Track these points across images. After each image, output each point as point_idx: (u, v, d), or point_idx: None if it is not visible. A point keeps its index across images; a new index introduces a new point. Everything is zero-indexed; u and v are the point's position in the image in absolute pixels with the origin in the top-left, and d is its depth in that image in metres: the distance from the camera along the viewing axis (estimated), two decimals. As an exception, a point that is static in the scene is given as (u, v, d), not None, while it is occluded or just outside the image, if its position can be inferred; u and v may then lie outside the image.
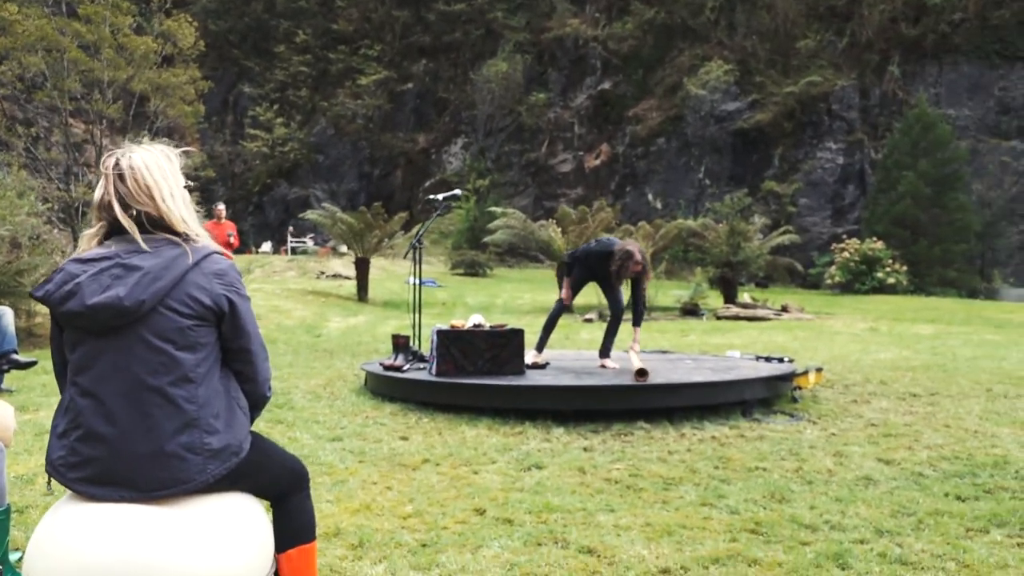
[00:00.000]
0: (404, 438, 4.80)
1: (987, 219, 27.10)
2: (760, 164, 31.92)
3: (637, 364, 5.53)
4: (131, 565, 1.79)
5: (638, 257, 5.99)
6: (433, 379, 5.57)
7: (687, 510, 3.48)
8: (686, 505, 3.55)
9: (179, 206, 1.96)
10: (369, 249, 17.09)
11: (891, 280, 22.51)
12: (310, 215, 17.06)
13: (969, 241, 25.45)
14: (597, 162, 34.28)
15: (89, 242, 1.96)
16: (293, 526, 2.20)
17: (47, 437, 4.73)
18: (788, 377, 5.81)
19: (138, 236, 1.89)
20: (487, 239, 17.74)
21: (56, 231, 12.79)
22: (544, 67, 36.59)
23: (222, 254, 2.01)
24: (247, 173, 40.09)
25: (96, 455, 1.84)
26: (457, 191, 6.85)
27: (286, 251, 31.68)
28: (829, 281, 24.06)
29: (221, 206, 12.87)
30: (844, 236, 26.31)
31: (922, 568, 2.82)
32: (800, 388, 5.86)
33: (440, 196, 6.37)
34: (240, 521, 1.98)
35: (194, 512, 1.90)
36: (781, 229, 17.12)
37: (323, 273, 23.35)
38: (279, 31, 40.62)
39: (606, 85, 35.25)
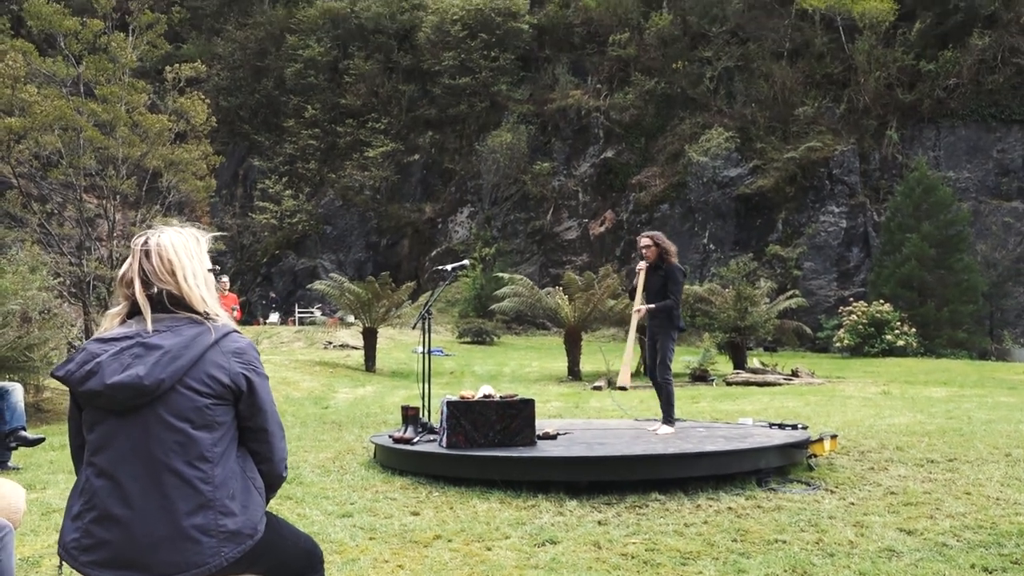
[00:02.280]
0: (415, 513, 4.73)
1: (993, 280, 27.07)
2: (764, 228, 32.13)
3: (624, 371, 5.90)
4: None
5: (646, 234, 6.36)
6: (443, 451, 5.51)
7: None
8: (706, 581, 3.47)
9: (200, 286, 1.99)
10: (377, 319, 17.13)
11: (901, 342, 22.36)
12: (318, 285, 17.17)
13: (977, 302, 25.36)
14: (602, 229, 34.58)
15: (112, 321, 1.99)
16: (308, 609, 2.16)
17: (54, 517, 4.67)
18: (803, 445, 5.73)
19: (148, 315, 1.91)
20: (494, 307, 17.78)
21: (67, 305, 12.90)
22: (548, 137, 37.25)
23: (240, 333, 2.03)
24: (255, 245, 40.52)
25: (110, 538, 1.82)
26: (465, 261, 6.94)
27: (293, 322, 31.78)
28: (838, 344, 23.91)
29: (225, 279, 13.01)
30: (851, 299, 26.28)
31: (953, 646, 2.73)
32: (815, 456, 5.77)
33: (449, 266, 6.43)
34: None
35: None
36: (788, 293, 17.12)
37: (330, 343, 23.35)
38: (288, 106, 41.61)
39: (609, 153, 35.82)
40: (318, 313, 31.23)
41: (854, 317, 23.25)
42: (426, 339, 6.26)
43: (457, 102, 38.55)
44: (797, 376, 14.23)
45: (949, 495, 5.04)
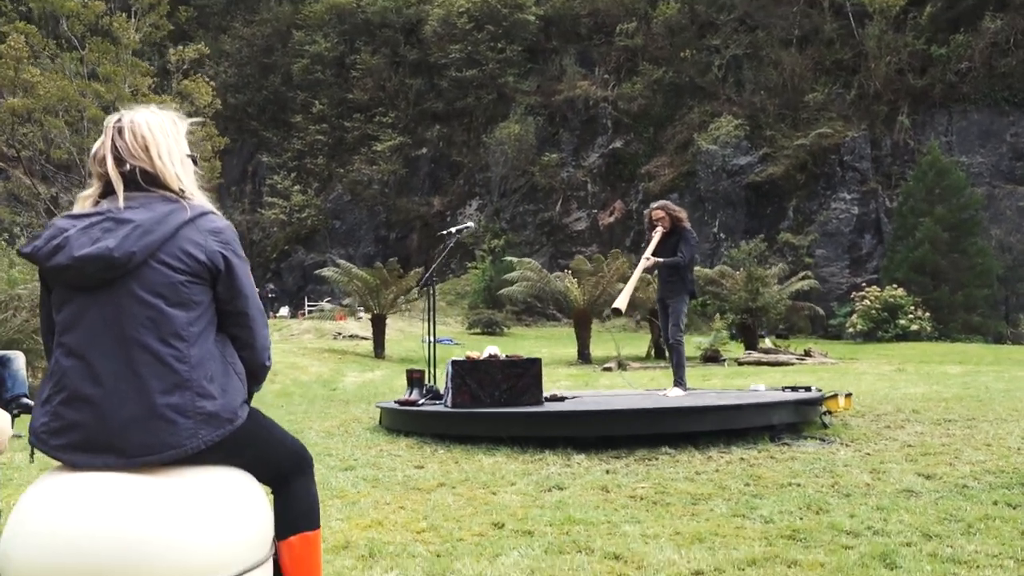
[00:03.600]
0: (419, 466, 4.63)
1: (1008, 264, 26.73)
2: (775, 216, 31.88)
3: (623, 295, 5.87)
4: (115, 539, 1.64)
5: (654, 204, 6.33)
6: (448, 410, 5.40)
7: (718, 520, 3.27)
8: (717, 516, 3.35)
9: (175, 164, 1.88)
10: (385, 305, 17.04)
11: (915, 327, 22.07)
12: (326, 272, 17.11)
13: (992, 286, 25.04)
14: (611, 219, 34.40)
15: (83, 203, 1.89)
16: (295, 512, 2.04)
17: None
18: (816, 402, 5.60)
19: (121, 191, 1.81)
20: (503, 291, 17.67)
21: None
22: (556, 128, 37.11)
23: (219, 215, 1.92)
24: (265, 240, 40.57)
25: (80, 419, 1.71)
26: (470, 223, 6.85)
27: (303, 315, 31.79)
28: (851, 330, 23.63)
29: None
30: (863, 285, 25.99)
31: (977, 566, 2.60)
32: (830, 413, 5.63)
33: (453, 229, 6.33)
34: (235, 497, 1.84)
35: (184, 483, 1.76)
36: (800, 274, 16.93)
37: (340, 334, 23.29)
38: (296, 102, 41.64)
39: (617, 144, 35.65)
40: (327, 306, 31.22)
41: (867, 302, 22.97)
42: (431, 304, 6.15)
43: (464, 95, 38.46)
44: (810, 356, 14.05)
45: (968, 447, 4.89)
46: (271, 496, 2.06)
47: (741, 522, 3.24)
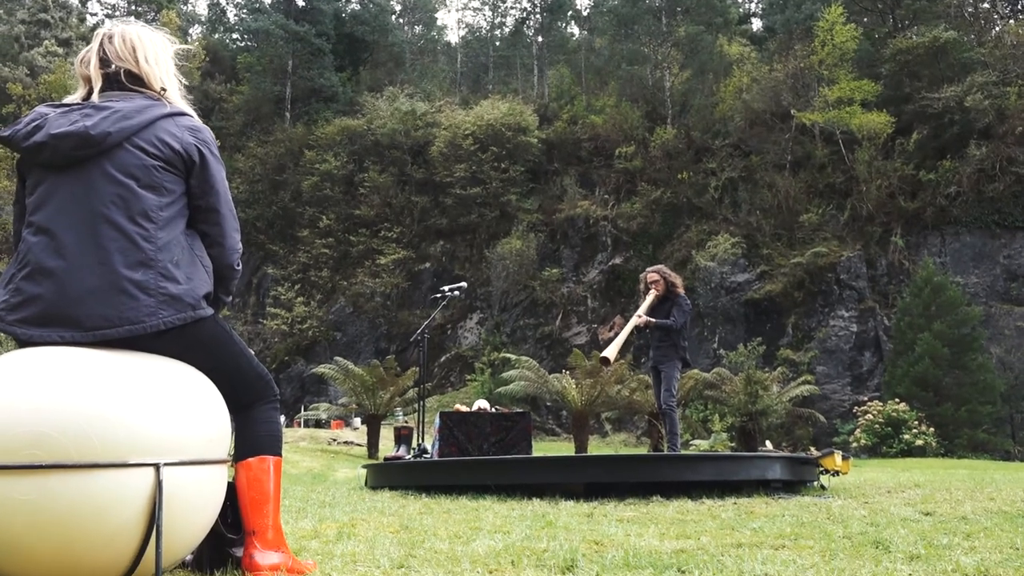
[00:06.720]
0: (401, 506, 4.46)
1: (1010, 382, 26.51)
2: (774, 333, 31.93)
3: (613, 346, 5.67)
4: (56, 411, 1.59)
5: (650, 268, 6.33)
6: (433, 460, 5.26)
7: (707, 531, 3.13)
8: (706, 530, 3.21)
9: (161, 71, 1.94)
10: (381, 405, 16.84)
11: (919, 442, 21.65)
12: (322, 369, 17.01)
13: (995, 403, 24.73)
14: (611, 334, 34.21)
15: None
16: (256, 435, 1.99)
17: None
18: (813, 461, 5.45)
19: (98, 87, 1.85)
20: (501, 389, 17.51)
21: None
22: (556, 245, 37.82)
23: (197, 118, 1.97)
24: (265, 351, 40.47)
25: (40, 292, 1.70)
26: (463, 283, 6.88)
27: (299, 423, 31.31)
28: (855, 445, 23.18)
29: None
30: (866, 401, 25.71)
31: (973, 549, 2.48)
32: (827, 471, 5.47)
33: (446, 288, 6.36)
34: (191, 390, 1.79)
35: (137, 364, 1.72)
36: (800, 379, 16.78)
37: (335, 440, 22.89)
38: (304, 217, 42.64)
39: (617, 260, 36.22)
40: (324, 415, 30.80)
41: (870, 416, 22.65)
42: (422, 361, 6.11)
43: (468, 212, 39.41)
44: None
45: (970, 500, 4.73)
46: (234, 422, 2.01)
47: (730, 531, 3.10)
